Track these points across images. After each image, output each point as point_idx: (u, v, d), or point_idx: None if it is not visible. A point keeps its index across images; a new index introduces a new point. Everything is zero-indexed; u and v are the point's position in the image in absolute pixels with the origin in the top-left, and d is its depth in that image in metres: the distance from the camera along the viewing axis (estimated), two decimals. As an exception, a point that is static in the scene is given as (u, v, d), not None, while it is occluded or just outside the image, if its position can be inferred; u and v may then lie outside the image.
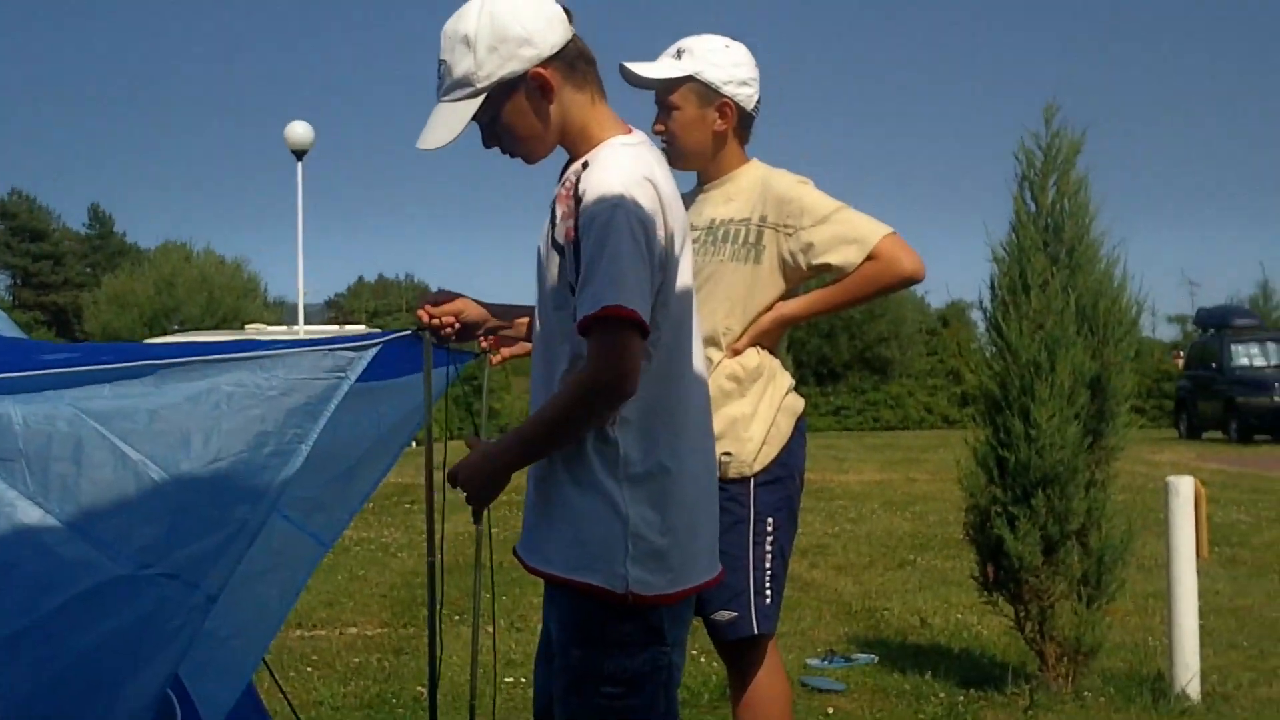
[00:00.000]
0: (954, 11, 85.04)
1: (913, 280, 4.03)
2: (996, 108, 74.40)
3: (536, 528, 2.89)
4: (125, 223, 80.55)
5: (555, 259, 2.80)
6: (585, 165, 2.80)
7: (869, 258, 3.93)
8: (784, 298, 4.04)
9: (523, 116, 2.86)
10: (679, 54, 3.98)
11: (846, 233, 3.95)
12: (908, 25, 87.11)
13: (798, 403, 4.08)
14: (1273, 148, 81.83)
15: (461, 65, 2.83)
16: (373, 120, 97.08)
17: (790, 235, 3.96)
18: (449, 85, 2.86)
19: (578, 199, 2.73)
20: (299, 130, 24.02)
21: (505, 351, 3.49)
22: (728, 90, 4.01)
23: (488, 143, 2.94)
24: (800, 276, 4.04)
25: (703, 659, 6.91)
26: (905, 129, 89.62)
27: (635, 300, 2.63)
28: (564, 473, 2.80)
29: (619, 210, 2.66)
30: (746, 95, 4.06)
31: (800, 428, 4.08)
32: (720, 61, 4.00)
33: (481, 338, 3.34)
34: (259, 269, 62.24)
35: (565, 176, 2.86)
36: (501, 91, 2.83)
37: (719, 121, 4.03)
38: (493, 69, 2.81)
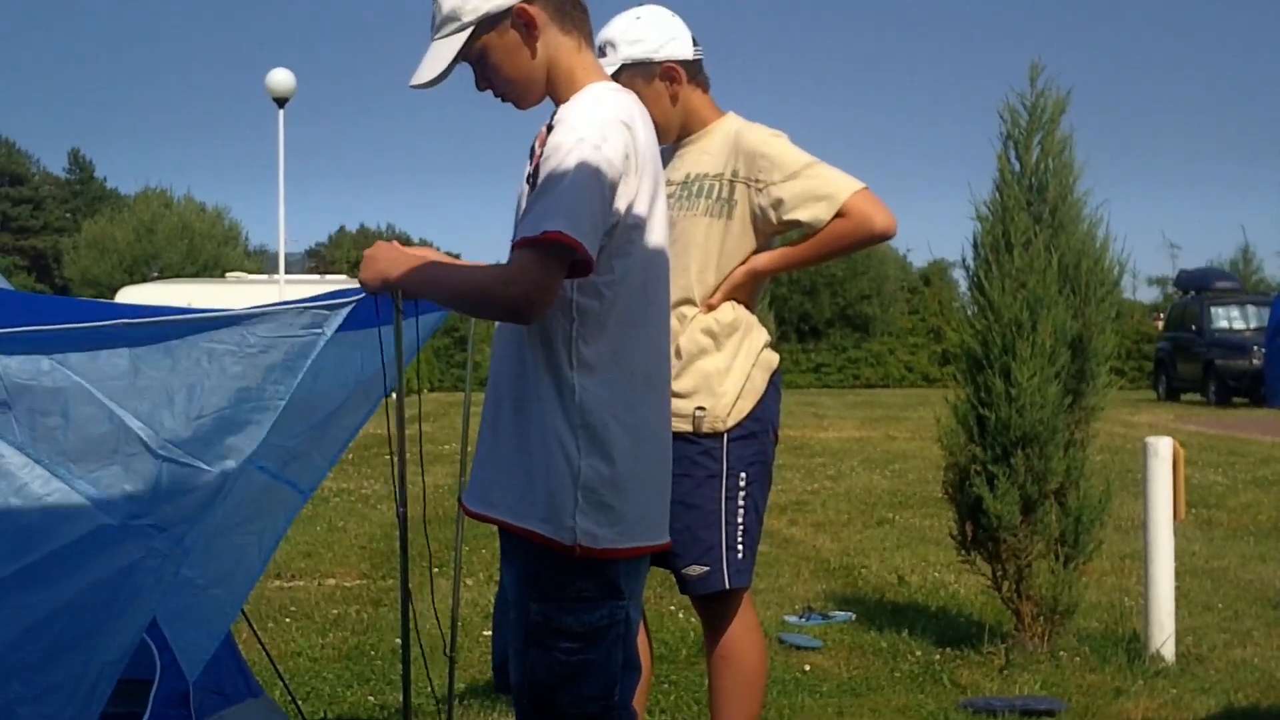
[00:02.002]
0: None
1: (884, 236, 4.01)
2: (982, 65, 74.29)
3: (485, 473, 2.89)
4: (105, 168, 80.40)
5: (525, 194, 2.80)
6: (564, 106, 2.81)
7: (839, 214, 3.91)
8: (757, 252, 4.03)
9: (508, 54, 2.86)
10: (603, 50, 3.93)
11: (817, 188, 3.92)
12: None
13: (772, 357, 4.07)
14: (1256, 112, 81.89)
15: (449, 1, 2.84)
16: (355, 68, 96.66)
17: (760, 190, 3.94)
18: (439, 22, 2.87)
19: (549, 132, 2.74)
20: (281, 77, 23.82)
21: None
22: (661, 55, 3.97)
23: (480, 84, 2.94)
24: (771, 231, 4.03)
25: (680, 614, 6.94)
26: (890, 86, 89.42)
27: (583, 233, 2.61)
28: (517, 415, 2.79)
29: (586, 144, 2.65)
30: (679, 47, 4.01)
31: (775, 382, 4.07)
32: (639, 36, 3.96)
33: None
34: (239, 217, 62.16)
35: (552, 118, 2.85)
36: (487, 26, 2.83)
37: (670, 86, 4.00)
38: (479, 3, 2.82)
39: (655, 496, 2.91)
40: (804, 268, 4.26)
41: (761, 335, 4.05)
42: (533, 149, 2.84)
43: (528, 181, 2.80)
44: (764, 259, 4.04)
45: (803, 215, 3.93)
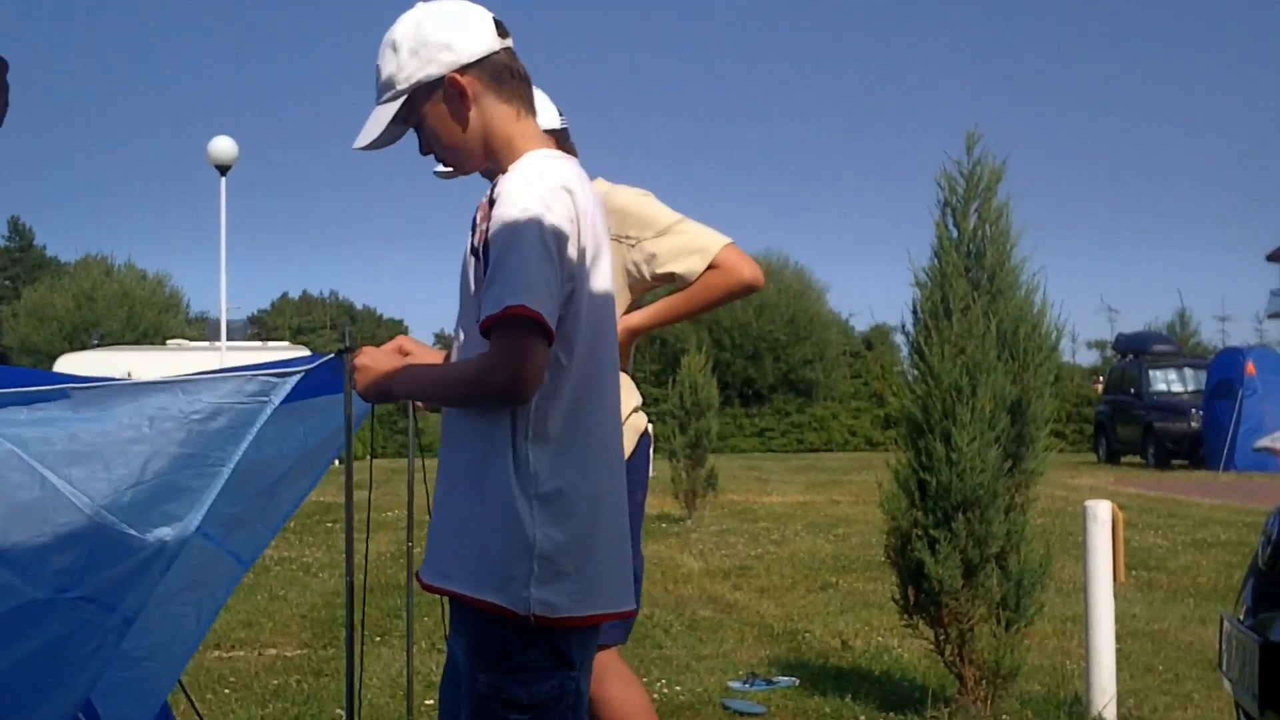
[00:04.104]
0: (880, 35, 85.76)
1: (752, 287, 4.16)
2: (921, 134, 75.14)
3: (438, 544, 2.86)
4: (45, 235, 79.73)
5: (473, 266, 2.80)
6: (504, 176, 2.81)
7: (711, 266, 4.05)
8: (629, 310, 4.10)
9: (442, 122, 2.89)
10: None
11: (689, 243, 4.06)
12: (834, 50, 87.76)
13: (640, 420, 4.15)
14: (1191, 177, 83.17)
15: (387, 68, 2.89)
16: (297, 136, 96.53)
17: (633, 246, 4.07)
18: (379, 88, 2.92)
19: (492, 202, 2.74)
20: (222, 145, 23.79)
21: None
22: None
23: (423, 149, 2.98)
24: (644, 287, 4.15)
25: (644, 680, 6.89)
26: (831, 154, 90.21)
27: (542, 304, 2.62)
28: (469, 485, 2.77)
29: (529, 215, 2.66)
30: (547, 118, 4.05)
31: (643, 446, 4.12)
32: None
33: None
34: (181, 284, 61.86)
35: (492, 188, 2.85)
36: (421, 95, 2.87)
37: None
38: (411, 71, 2.85)
39: (614, 563, 2.87)
40: (677, 321, 4.36)
41: (633, 398, 4.10)
42: (474, 221, 2.84)
43: (472, 254, 2.79)
44: (638, 317, 4.16)
45: (677, 268, 4.05)
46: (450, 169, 3.07)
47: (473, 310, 2.79)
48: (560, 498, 2.73)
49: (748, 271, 4.10)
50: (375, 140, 2.91)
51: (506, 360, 2.63)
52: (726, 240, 4.09)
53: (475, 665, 2.77)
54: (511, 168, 2.82)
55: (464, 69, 2.85)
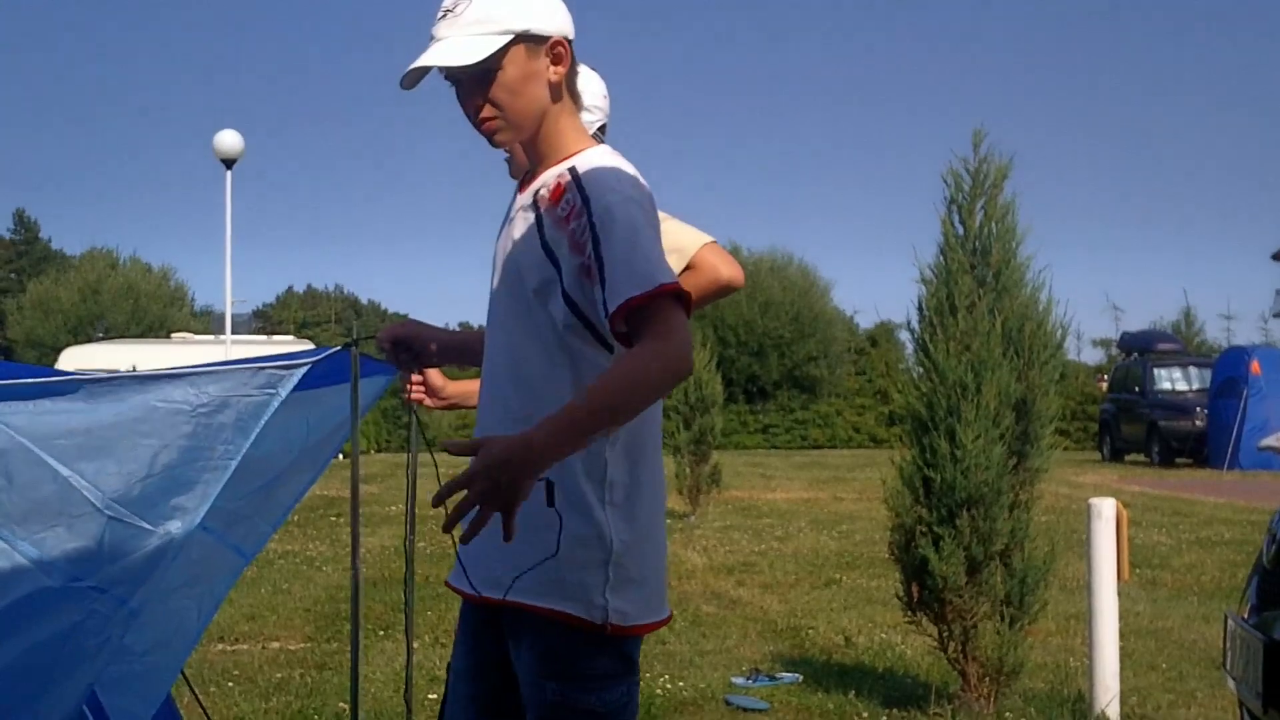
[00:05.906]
0: (887, 32, 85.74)
1: (730, 287, 4.04)
2: (927, 131, 75.12)
3: (496, 554, 2.61)
4: (51, 228, 79.76)
5: (538, 262, 2.67)
6: (573, 170, 2.69)
7: (688, 267, 3.93)
8: None
9: (525, 81, 2.72)
10: None
11: (666, 242, 3.96)
12: (840, 46, 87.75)
13: None
14: (1196, 177, 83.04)
15: (504, 4, 2.70)
16: (303, 129, 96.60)
17: None
18: (474, 17, 2.69)
19: (585, 200, 2.62)
20: (228, 139, 23.79)
21: (434, 400, 3.43)
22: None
23: (466, 101, 2.76)
24: None
25: (647, 675, 6.91)
26: (836, 151, 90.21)
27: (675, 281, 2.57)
28: (537, 493, 2.53)
29: (633, 203, 2.61)
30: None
31: None
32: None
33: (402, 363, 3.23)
34: (186, 277, 61.97)
35: (543, 180, 2.74)
36: (524, 42, 2.70)
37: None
38: (524, 19, 2.69)
39: (664, 567, 2.81)
40: None
41: None
42: (536, 212, 2.70)
43: (544, 250, 2.66)
44: None
45: None
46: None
47: (519, 303, 2.71)
48: (628, 503, 2.66)
49: (725, 271, 3.98)
50: (458, 66, 2.67)
51: (680, 332, 2.51)
52: (707, 239, 3.98)
53: (542, 673, 2.67)
54: (582, 163, 2.71)
55: (566, 39, 2.76)
